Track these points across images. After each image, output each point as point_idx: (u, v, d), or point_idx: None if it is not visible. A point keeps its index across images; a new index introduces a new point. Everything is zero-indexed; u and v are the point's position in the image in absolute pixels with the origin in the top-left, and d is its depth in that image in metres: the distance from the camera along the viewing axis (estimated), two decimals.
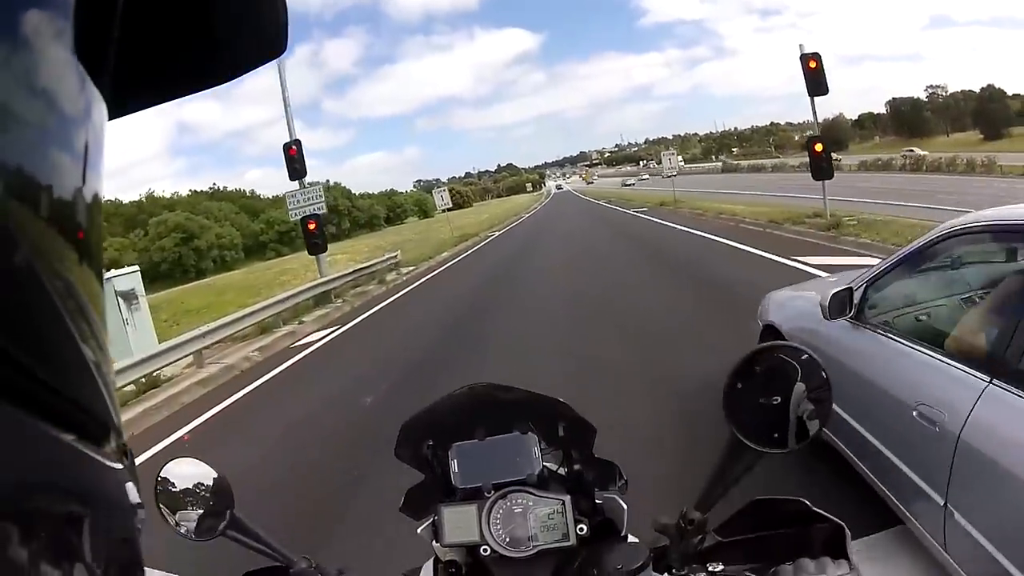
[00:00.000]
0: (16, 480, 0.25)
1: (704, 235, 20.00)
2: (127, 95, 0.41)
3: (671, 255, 16.68)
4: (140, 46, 0.39)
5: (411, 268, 24.89)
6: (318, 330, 14.78)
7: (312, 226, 18.54)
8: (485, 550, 1.27)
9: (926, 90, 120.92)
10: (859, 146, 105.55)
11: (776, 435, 1.05)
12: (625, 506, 1.30)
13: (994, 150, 63.95)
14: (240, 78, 0.52)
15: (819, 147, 16.04)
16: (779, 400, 1.04)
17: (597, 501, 1.31)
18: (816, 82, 15.84)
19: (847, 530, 1.09)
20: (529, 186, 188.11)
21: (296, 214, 18.93)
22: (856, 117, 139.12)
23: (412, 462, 1.38)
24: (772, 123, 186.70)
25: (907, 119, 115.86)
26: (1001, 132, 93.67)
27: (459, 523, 1.29)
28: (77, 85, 0.31)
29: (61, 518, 0.28)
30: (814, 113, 16.68)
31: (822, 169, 16.04)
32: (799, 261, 12.17)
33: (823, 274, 10.01)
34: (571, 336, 9.69)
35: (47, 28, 0.28)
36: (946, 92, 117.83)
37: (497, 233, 43.02)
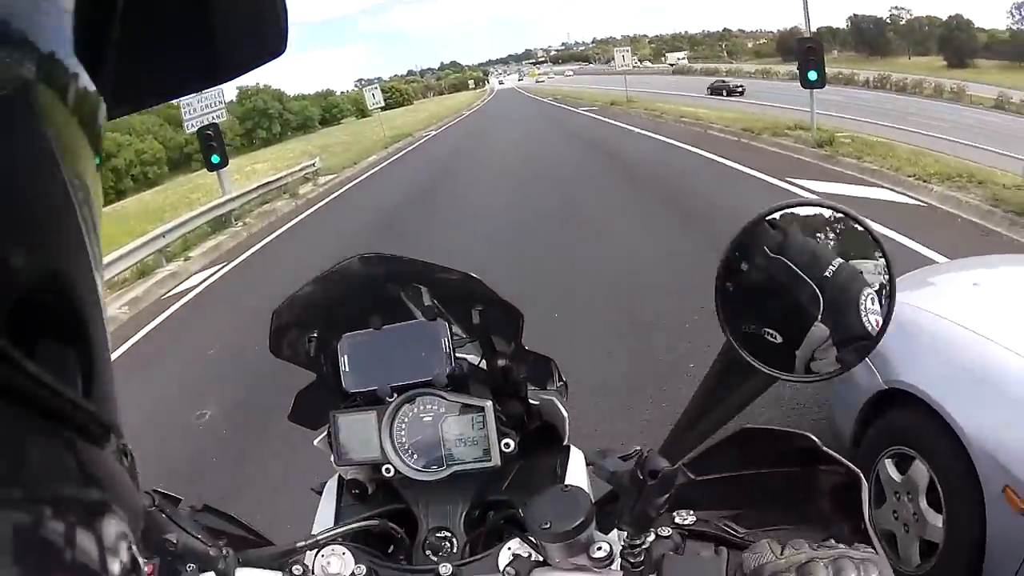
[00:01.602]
0: (15, 480, 0.26)
1: (670, 142, 17.47)
2: (127, 95, 0.42)
3: (636, 167, 14.08)
4: (140, 46, 0.40)
5: (331, 177, 21.88)
6: (203, 268, 11.95)
7: (209, 137, 15.02)
8: (388, 470, 1.09)
9: (890, 11, 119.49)
10: None
11: (797, 350, 0.78)
12: (566, 413, 1.13)
13: (958, 78, 62.86)
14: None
15: (811, 51, 13.31)
16: (801, 297, 0.76)
17: (532, 402, 1.15)
18: None
19: (863, 480, 0.87)
20: (472, 83, 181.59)
21: (192, 125, 15.84)
22: (815, 30, 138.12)
23: (295, 360, 1.16)
24: (724, 29, 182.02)
25: (868, 37, 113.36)
26: (966, 61, 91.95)
27: (357, 436, 1.11)
28: (77, 85, 0.30)
29: (59, 518, 0.28)
30: (806, 9, 14.13)
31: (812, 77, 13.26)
32: (799, 186, 9.87)
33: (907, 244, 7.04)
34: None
35: (47, 28, 0.28)
36: (910, 14, 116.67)
37: (433, 133, 39.34)
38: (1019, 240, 7.21)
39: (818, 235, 0.77)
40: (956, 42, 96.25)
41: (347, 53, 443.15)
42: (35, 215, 0.27)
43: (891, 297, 0.75)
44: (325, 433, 1.17)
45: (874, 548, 0.77)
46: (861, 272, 0.77)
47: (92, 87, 0.32)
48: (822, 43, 14.23)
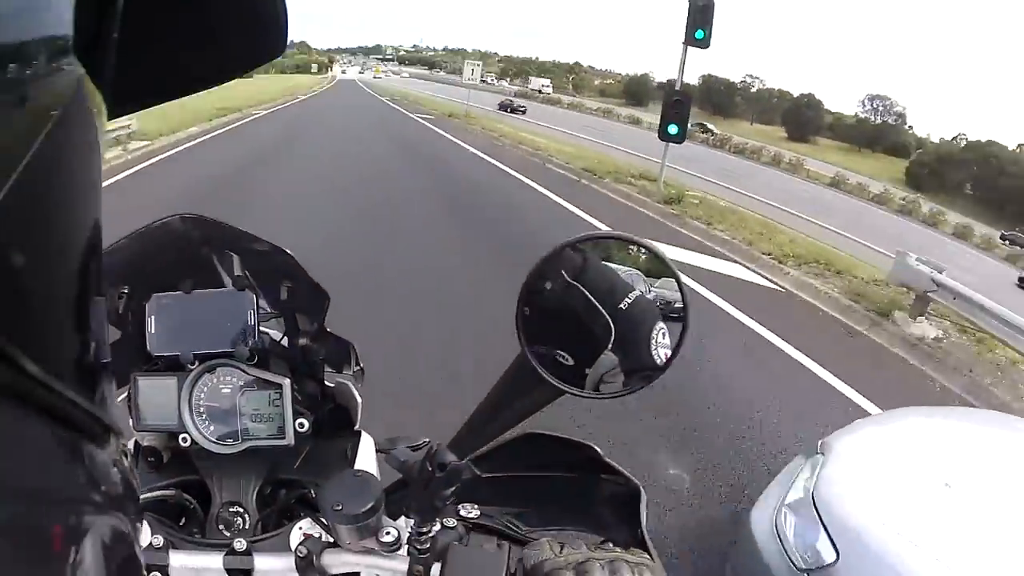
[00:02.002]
0: (15, 480, 0.26)
1: (508, 171, 16.15)
2: (127, 95, 0.42)
3: (470, 200, 12.49)
4: (140, 46, 0.39)
5: (144, 144, 18.13)
6: None
7: None
8: (185, 439, 1.06)
9: (743, 77, 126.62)
10: (658, 107, 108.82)
11: (588, 371, 0.79)
12: (360, 398, 1.17)
13: (797, 151, 66.79)
14: None
15: (678, 104, 12.58)
16: (594, 326, 0.78)
17: (327, 384, 1.15)
18: (699, 28, 12.13)
19: (643, 492, 0.97)
20: (315, 67, 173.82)
21: None
22: (664, 81, 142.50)
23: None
24: (576, 62, 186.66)
25: (717, 97, 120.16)
26: (807, 137, 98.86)
27: (156, 400, 1.07)
28: (77, 85, 0.30)
29: (60, 518, 0.29)
30: (683, 63, 12.90)
31: (672, 131, 12.50)
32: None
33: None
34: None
35: (47, 28, 0.28)
36: (763, 84, 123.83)
37: (263, 112, 35.35)
38: (882, 344, 6.90)
39: (621, 264, 0.80)
40: (802, 118, 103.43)
41: None
42: (37, 217, 0.27)
43: (685, 325, 0.77)
44: (125, 395, 1.08)
45: (650, 555, 0.82)
46: (658, 304, 0.79)
47: (92, 87, 0.32)
48: (690, 100, 13.48)
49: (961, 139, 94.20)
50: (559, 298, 0.79)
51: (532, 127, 34.03)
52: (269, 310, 1.12)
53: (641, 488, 0.95)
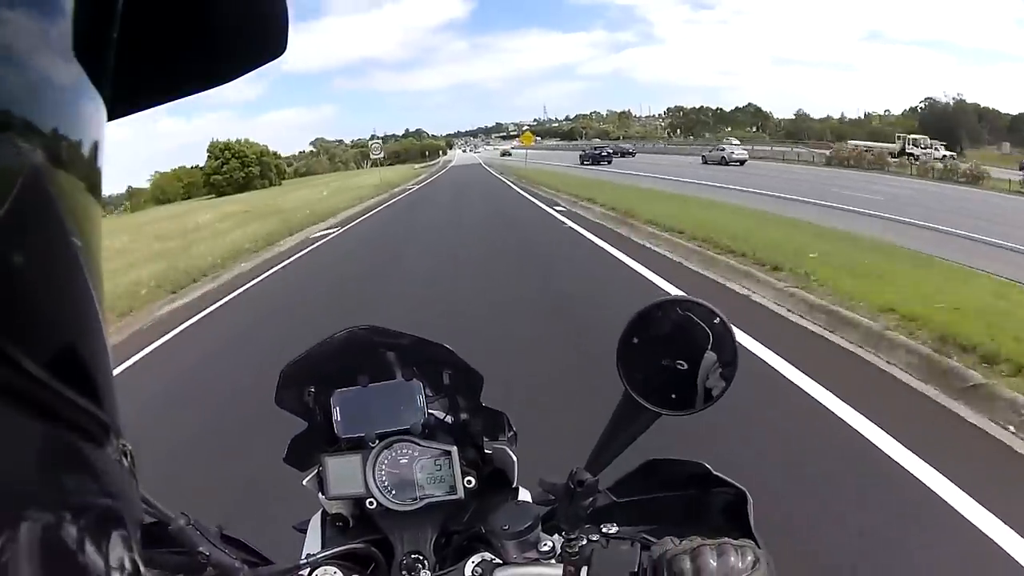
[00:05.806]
0: (15, 480, 0.26)
1: None
2: (127, 95, 0.43)
3: None
4: (140, 46, 0.41)
5: None
6: None
7: None
8: (371, 503, 1.27)
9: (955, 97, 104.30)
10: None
11: (674, 396, 0.99)
12: (515, 457, 1.32)
13: None
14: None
15: None
16: (685, 366, 0.97)
17: (486, 451, 1.33)
18: None
19: (749, 497, 1.09)
20: (426, 152, 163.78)
21: None
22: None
23: (294, 409, 1.36)
24: (749, 103, 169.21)
25: (948, 124, 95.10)
26: None
27: (343, 474, 1.28)
28: (77, 85, 0.31)
29: (60, 518, 0.29)
30: None
31: None
32: None
33: None
34: None
35: (46, 28, 0.29)
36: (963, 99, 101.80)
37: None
38: None
39: (699, 321, 0.95)
40: None
41: (322, 112, 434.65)
42: (38, 218, 0.28)
43: (735, 361, 0.94)
44: (313, 473, 1.31)
45: (758, 546, 0.90)
46: (725, 349, 0.95)
47: (92, 88, 0.32)
48: None
49: None
50: (661, 333, 0.95)
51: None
52: (433, 394, 1.32)
53: (747, 493, 1.06)
